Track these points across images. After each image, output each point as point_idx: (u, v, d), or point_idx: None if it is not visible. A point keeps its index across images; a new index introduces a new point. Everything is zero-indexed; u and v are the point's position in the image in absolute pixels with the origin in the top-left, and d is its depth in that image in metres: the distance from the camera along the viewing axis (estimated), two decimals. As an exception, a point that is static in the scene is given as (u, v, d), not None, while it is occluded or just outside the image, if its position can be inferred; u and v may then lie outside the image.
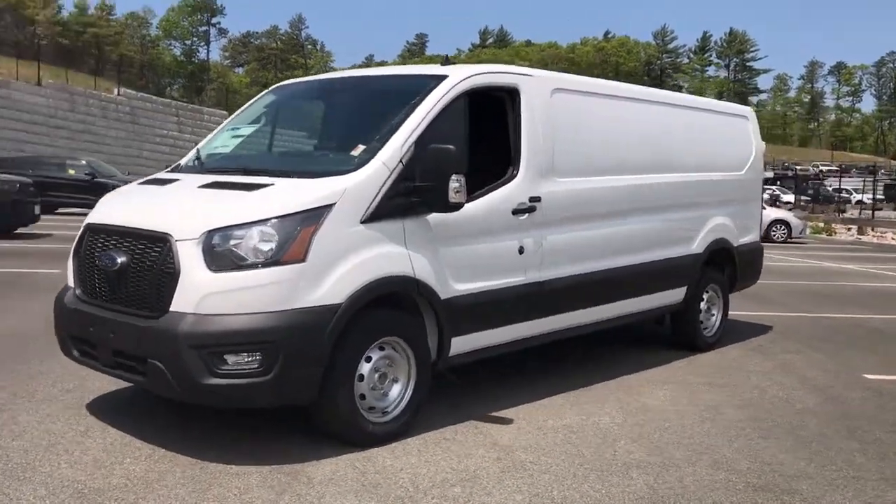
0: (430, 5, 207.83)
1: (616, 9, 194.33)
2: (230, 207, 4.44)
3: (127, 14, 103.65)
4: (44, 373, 5.92)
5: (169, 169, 5.75)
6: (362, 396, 4.64)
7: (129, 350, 4.41)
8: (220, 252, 4.23)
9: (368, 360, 4.65)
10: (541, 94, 5.73)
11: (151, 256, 4.39)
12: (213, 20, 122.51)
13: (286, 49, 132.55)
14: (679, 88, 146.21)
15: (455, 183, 4.69)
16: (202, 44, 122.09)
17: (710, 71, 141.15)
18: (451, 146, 4.71)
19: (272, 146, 5.91)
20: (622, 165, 6.42)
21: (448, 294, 4.99)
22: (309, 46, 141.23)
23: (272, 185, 4.63)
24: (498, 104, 5.59)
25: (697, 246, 7.35)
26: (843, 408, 5.90)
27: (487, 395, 5.78)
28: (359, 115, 5.67)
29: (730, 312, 8.13)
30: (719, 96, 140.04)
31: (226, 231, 4.27)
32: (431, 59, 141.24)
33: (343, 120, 5.91)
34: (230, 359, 4.17)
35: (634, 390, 6.12)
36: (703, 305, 7.60)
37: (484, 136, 5.59)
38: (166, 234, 4.34)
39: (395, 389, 4.84)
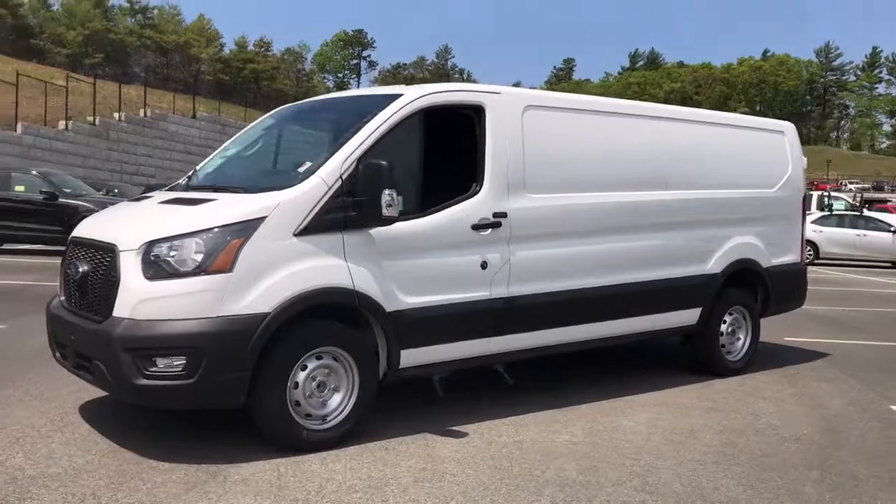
0: (578, 30, 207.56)
1: (775, 27, 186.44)
2: (169, 221, 4.78)
3: (284, 50, 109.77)
4: (60, 376, 6.47)
5: (167, 188, 6.20)
6: (297, 403, 4.82)
7: (83, 351, 4.82)
8: (155, 262, 4.56)
9: (304, 368, 4.83)
10: (510, 111, 5.76)
11: (103, 266, 4.78)
12: (364, 53, 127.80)
13: (433, 78, 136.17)
14: (845, 108, 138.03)
15: (387, 197, 4.82)
16: (353, 76, 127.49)
17: (880, 88, 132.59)
18: (382, 162, 4.86)
19: (252, 166, 6.25)
20: (607, 182, 6.30)
21: (395, 307, 5.10)
22: (455, 75, 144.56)
23: (215, 200, 4.95)
24: (466, 121, 5.68)
25: (713, 266, 7.06)
26: (837, 438, 5.50)
27: (464, 408, 5.82)
28: (318, 134, 5.93)
29: (802, 338, 7.71)
30: (891, 115, 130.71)
31: (161, 242, 4.59)
32: (579, 84, 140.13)
33: (306, 139, 6.20)
34: (160, 362, 4.47)
35: (619, 411, 5.97)
36: (724, 328, 7.27)
37: (452, 153, 5.70)
38: (113, 244, 4.72)
39: (336, 398, 4.99)
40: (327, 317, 4.96)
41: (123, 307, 4.55)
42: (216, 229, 4.61)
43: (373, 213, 4.87)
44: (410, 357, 5.25)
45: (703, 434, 5.48)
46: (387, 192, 4.83)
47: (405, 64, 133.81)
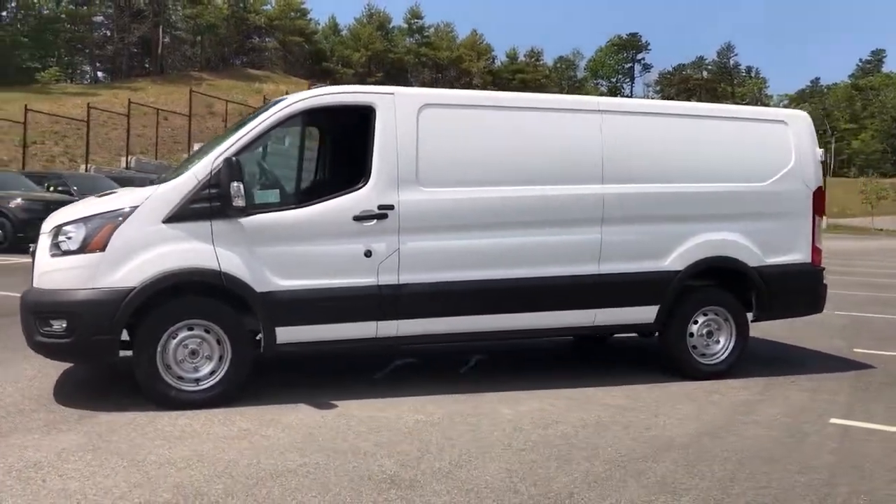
0: (889, 17, 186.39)
1: None
2: (76, 210, 5.80)
3: (556, 59, 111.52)
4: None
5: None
6: (168, 366, 5.63)
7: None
8: (56, 243, 5.61)
9: (174, 336, 5.63)
10: (404, 110, 6.10)
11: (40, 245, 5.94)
12: (638, 56, 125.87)
13: (713, 79, 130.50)
14: None
15: (234, 188, 5.48)
16: (626, 80, 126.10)
17: None
18: (232, 157, 5.53)
19: (185, 164, 7.06)
20: (515, 177, 6.34)
21: (266, 288, 5.72)
22: (743, 74, 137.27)
23: (116, 192, 5.92)
24: (362, 121, 6.15)
25: (672, 263, 6.74)
26: (771, 449, 5.09)
27: (380, 387, 6.28)
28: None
29: (879, 351, 7.05)
30: None
31: (63, 227, 5.63)
32: (889, 77, 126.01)
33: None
34: (53, 323, 5.51)
35: (518, 400, 6.04)
36: (695, 329, 6.91)
37: (349, 151, 6.19)
38: (43, 230, 5.85)
39: (209, 366, 5.72)
40: (204, 294, 5.71)
41: (36, 278, 5.65)
42: (95, 217, 5.57)
43: (228, 204, 5.54)
44: (287, 334, 5.83)
45: (558, 427, 5.43)
46: (234, 184, 5.48)
47: (684, 65, 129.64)
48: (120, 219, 5.52)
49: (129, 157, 31.61)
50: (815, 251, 7.28)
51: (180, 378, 5.66)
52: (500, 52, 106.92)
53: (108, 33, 66.18)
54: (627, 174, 6.65)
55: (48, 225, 5.71)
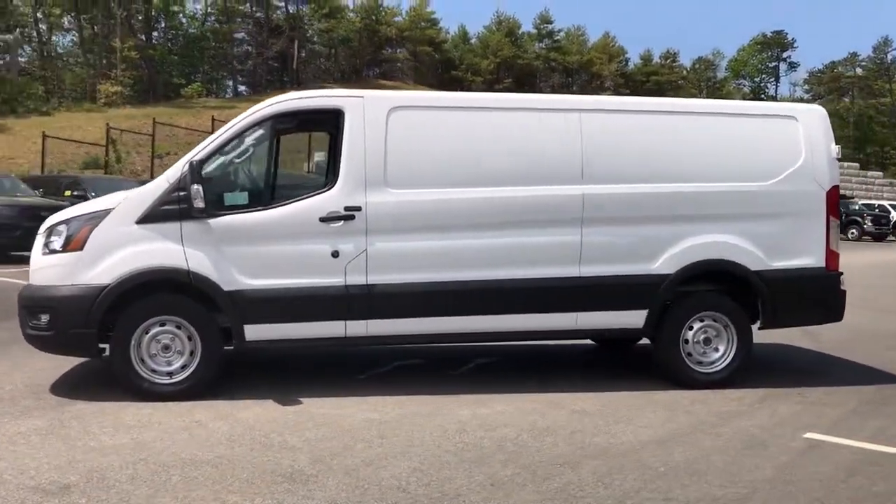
0: None
1: None
2: (68, 211, 6.24)
3: (694, 59, 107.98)
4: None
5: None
6: (142, 360, 5.96)
7: None
8: (46, 242, 6.07)
9: (147, 331, 5.95)
10: (372, 113, 6.19)
11: None
12: (784, 54, 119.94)
13: (868, 76, 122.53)
14: None
15: (193, 191, 5.74)
16: (771, 80, 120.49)
17: None
18: (194, 160, 5.80)
19: None
20: (486, 177, 6.27)
21: (233, 287, 5.95)
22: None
23: (105, 196, 6.32)
24: (333, 125, 6.30)
25: (661, 266, 6.46)
26: (709, 462, 4.83)
27: (367, 385, 6.41)
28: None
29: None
30: None
31: (52, 227, 6.08)
32: None
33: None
34: (40, 316, 5.96)
35: (482, 402, 5.99)
36: (690, 335, 6.59)
37: (320, 154, 6.34)
38: (40, 230, 6.32)
39: (180, 360, 6.01)
40: (174, 292, 6.01)
41: (30, 275, 6.14)
42: (77, 218, 5.98)
43: (191, 206, 5.81)
44: (255, 332, 6.04)
45: (502, 430, 5.34)
46: (194, 186, 5.74)
47: (835, 62, 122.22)
48: (97, 220, 5.90)
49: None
50: (831, 255, 6.78)
51: (153, 371, 5.97)
52: (633, 54, 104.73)
53: (249, 49, 69.77)
54: (610, 174, 6.44)
55: (44, 225, 6.17)
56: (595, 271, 6.38)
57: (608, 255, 6.41)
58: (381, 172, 6.14)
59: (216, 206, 5.98)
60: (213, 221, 5.94)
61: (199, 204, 5.75)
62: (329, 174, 6.28)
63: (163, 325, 5.97)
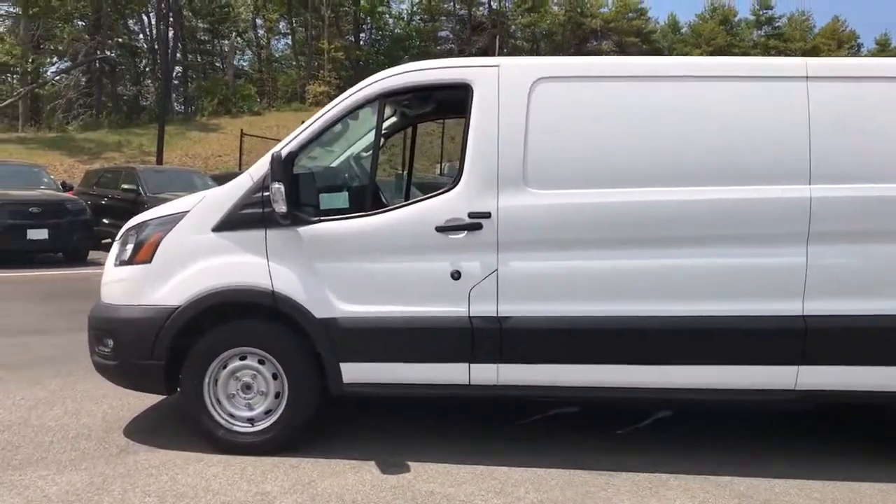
0: None
1: None
2: (148, 213, 5.17)
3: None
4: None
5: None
6: (218, 401, 4.79)
7: None
8: (119, 249, 5.05)
9: (225, 366, 4.77)
10: (509, 86, 4.63)
11: None
12: None
13: None
14: None
15: (274, 191, 4.46)
16: None
17: None
18: (277, 151, 4.51)
19: None
20: (669, 173, 4.49)
21: (327, 313, 4.64)
22: None
23: (189, 195, 5.21)
24: (458, 105, 4.81)
25: (929, 301, 4.42)
26: None
27: (468, 445, 4.92)
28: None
29: None
30: None
31: (125, 232, 5.06)
32: None
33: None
34: (106, 341, 4.94)
35: (661, 493, 4.29)
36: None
37: (442, 143, 4.86)
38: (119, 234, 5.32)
39: (263, 404, 4.78)
40: (257, 318, 4.79)
41: (101, 289, 5.14)
42: (149, 223, 4.90)
43: (274, 210, 4.55)
44: (354, 372, 4.69)
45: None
46: (275, 185, 4.46)
47: None
48: (169, 226, 4.78)
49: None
50: None
51: (232, 416, 4.79)
52: (867, 39, 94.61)
53: (452, 47, 69.91)
54: (851, 169, 4.47)
55: (122, 229, 5.16)
56: (826, 308, 4.44)
57: (848, 284, 4.44)
58: (520, 167, 4.57)
59: (309, 210, 4.69)
60: (303, 230, 4.64)
61: (281, 207, 4.46)
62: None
63: (243, 358, 4.77)
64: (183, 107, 50.60)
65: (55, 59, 45.51)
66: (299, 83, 52.13)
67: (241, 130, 26.14)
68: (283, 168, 4.45)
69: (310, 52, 54.85)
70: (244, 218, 4.69)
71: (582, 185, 4.55)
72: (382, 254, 4.62)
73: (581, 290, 4.53)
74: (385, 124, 5.28)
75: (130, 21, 49.85)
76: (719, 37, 75.28)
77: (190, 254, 4.72)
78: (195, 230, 4.74)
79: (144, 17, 49.24)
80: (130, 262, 4.85)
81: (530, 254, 4.55)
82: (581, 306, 4.52)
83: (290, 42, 60.02)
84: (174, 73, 48.96)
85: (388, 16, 64.09)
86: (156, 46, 45.53)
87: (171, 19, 37.05)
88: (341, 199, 4.79)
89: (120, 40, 48.81)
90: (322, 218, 4.68)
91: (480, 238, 4.55)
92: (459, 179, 4.62)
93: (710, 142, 4.53)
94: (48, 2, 38.31)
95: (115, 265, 4.98)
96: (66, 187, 16.62)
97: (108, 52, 43.57)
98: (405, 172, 6.39)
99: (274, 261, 4.65)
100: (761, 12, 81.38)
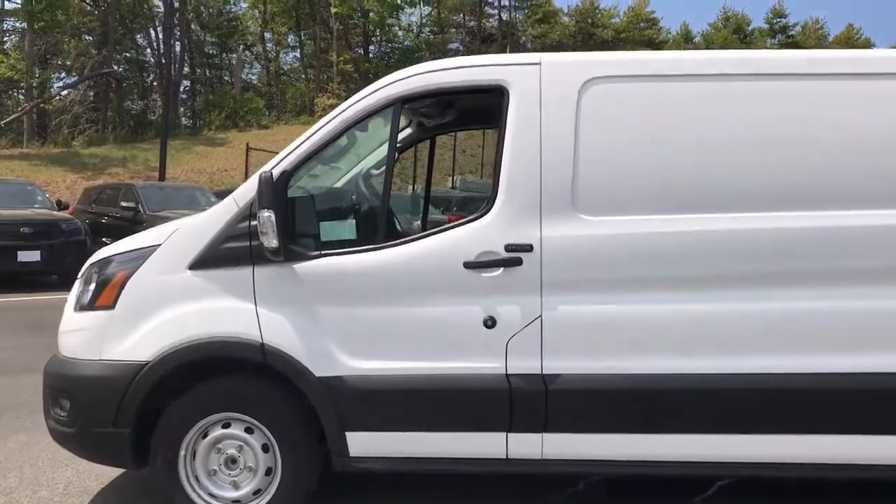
0: None
1: None
2: (115, 246, 4.28)
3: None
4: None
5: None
6: (196, 478, 3.88)
7: None
8: (79, 290, 4.16)
9: (205, 435, 3.87)
10: (554, 89, 3.74)
11: None
12: None
13: None
14: None
15: (262, 220, 3.57)
16: None
17: None
18: (268, 171, 3.63)
19: None
20: (762, 195, 3.60)
21: (330, 371, 3.75)
22: None
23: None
24: (492, 112, 3.92)
25: None
26: None
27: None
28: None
29: None
30: None
31: (85, 270, 4.18)
32: None
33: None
34: (63, 403, 4.05)
35: None
36: None
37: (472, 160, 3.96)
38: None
39: (251, 482, 3.87)
40: (243, 376, 3.89)
41: (58, 339, 4.25)
42: (112, 259, 4.02)
43: (264, 244, 3.65)
44: (364, 443, 3.79)
45: None
46: (263, 213, 3.57)
47: None
48: (136, 262, 3.89)
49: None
50: None
51: (213, 496, 3.88)
52: (883, 45, 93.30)
53: (462, 59, 69.32)
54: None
55: (84, 266, 4.27)
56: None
57: None
58: (569, 187, 3.67)
59: (308, 243, 3.80)
60: (300, 267, 3.76)
61: (272, 241, 3.57)
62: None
63: (226, 425, 3.87)
64: (191, 121, 49.99)
65: (62, 74, 45.01)
66: (308, 96, 51.45)
67: (247, 144, 25.26)
68: (275, 191, 3.57)
69: (318, 65, 54.20)
70: (227, 253, 3.80)
71: (649, 209, 3.65)
72: (398, 296, 3.73)
73: (649, 342, 3.62)
74: (399, 136, 4.40)
75: (138, 36, 49.36)
76: (733, 46, 74.28)
77: (161, 297, 3.83)
78: (167, 268, 3.85)
79: (152, 32, 48.76)
80: (91, 307, 3.97)
81: (583, 296, 3.65)
82: (649, 362, 3.61)
83: (298, 55, 59.49)
84: (181, 87, 48.40)
85: (397, 28, 63.40)
86: (163, 60, 44.97)
87: (178, 33, 36.43)
88: (347, 229, 3.89)
89: (128, 55, 48.33)
90: (323, 252, 3.78)
91: (520, 276, 3.66)
92: (493, 204, 3.73)
93: (807, 155, 3.61)
94: (54, 16, 37.71)
95: (75, 310, 4.09)
96: (61, 206, 15.80)
97: (115, 67, 43.00)
98: (422, 192, 5.50)
99: (264, 306, 3.76)
100: (775, 21, 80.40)
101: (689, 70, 3.76)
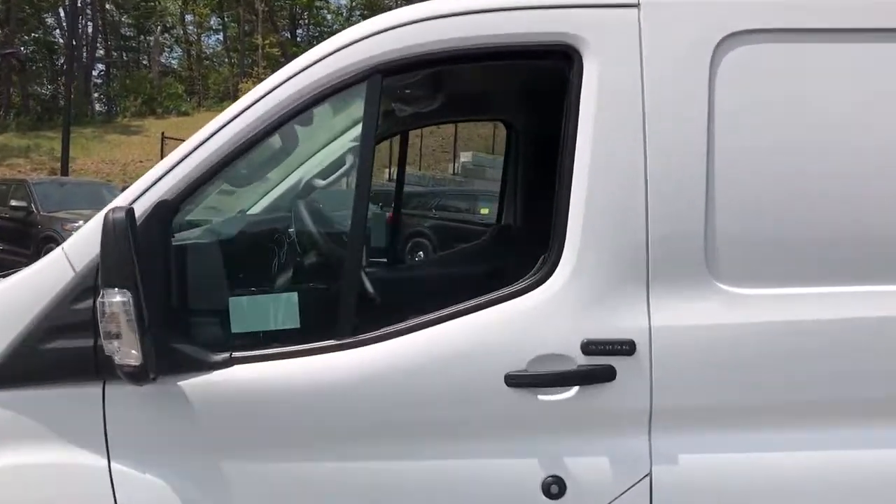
0: None
1: None
2: None
3: None
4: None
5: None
6: None
7: None
8: None
9: None
10: (665, 49, 2.02)
11: None
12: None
13: None
14: None
15: (111, 307, 1.77)
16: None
17: None
18: (123, 207, 1.82)
19: None
20: None
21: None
22: None
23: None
24: (549, 96, 2.19)
25: None
26: None
27: None
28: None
29: None
30: None
31: None
32: None
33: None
34: None
35: None
36: None
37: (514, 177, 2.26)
38: None
39: None
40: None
41: None
42: None
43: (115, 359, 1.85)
44: None
45: None
46: (113, 298, 1.76)
47: None
48: None
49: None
50: None
51: None
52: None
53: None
54: None
55: None
56: None
57: None
58: (700, 230, 1.96)
59: (207, 335, 2.00)
60: (192, 384, 1.95)
61: (128, 356, 1.76)
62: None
63: None
64: (105, 107, 46.82)
65: (-44, 55, 41.44)
66: (232, 81, 48.82)
67: (163, 133, 22.96)
68: (138, 248, 1.77)
69: (243, 49, 51.54)
70: (55, 357, 1.98)
71: (851, 274, 1.97)
72: (385, 442, 1.98)
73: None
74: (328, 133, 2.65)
75: (46, 15, 45.84)
76: None
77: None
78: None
79: (61, 11, 45.32)
80: None
81: (728, 436, 1.96)
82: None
83: (221, 38, 56.60)
84: (95, 71, 45.26)
85: (325, 11, 60.90)
86: (66, 34, 41.76)
87: (90, 13, 33.47)
88: (283, 309, 2.09)
89: (36, 35, 44.90)
90: (237, 355, 1.98)
91: (612, 401, 1.95)
92: (557, 262, 1.99)
93: None
94: (-53, -10, 34.46)
95: None
96: None
97: (19, 48, 39.68)
98: (390, 217, 3.71)
99: (121, 460, 1.96)
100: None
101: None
